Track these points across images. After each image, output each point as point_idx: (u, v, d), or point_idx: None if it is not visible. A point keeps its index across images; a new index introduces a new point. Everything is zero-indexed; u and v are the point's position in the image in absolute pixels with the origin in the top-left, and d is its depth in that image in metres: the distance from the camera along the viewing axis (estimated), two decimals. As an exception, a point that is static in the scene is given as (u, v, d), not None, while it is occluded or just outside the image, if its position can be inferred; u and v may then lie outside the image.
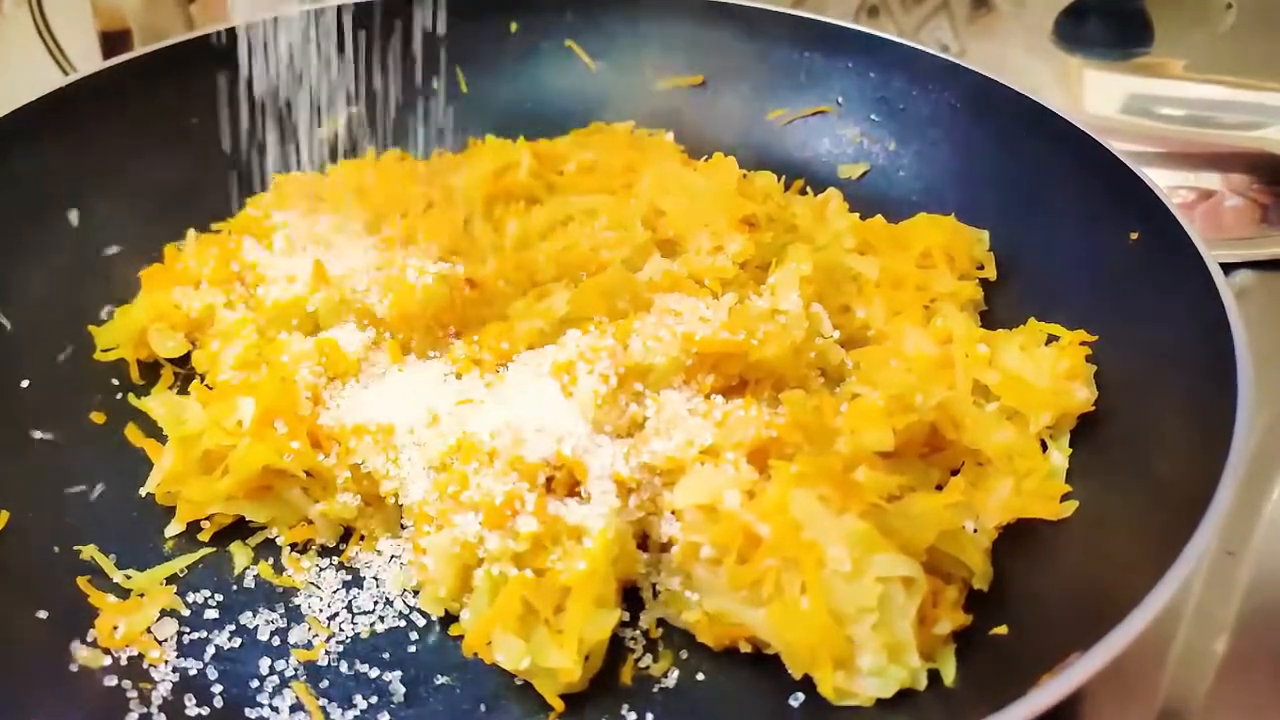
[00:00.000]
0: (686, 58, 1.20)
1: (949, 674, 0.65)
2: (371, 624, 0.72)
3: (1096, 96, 1.43)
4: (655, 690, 0.68)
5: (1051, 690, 0.53)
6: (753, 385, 0.79)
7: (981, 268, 0.96)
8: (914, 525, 0.67)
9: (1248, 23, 1.51)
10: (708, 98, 1.20)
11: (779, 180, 1.06)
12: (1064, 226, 0.94)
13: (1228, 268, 0.78)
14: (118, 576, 0.74)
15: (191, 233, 0.98)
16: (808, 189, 1.09)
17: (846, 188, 1.09)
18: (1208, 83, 1.41)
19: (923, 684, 0.64)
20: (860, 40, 1.14)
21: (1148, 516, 0.67)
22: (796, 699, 0.66)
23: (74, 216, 0.97)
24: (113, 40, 1.35)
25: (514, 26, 1.22)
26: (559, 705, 0.66)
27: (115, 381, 0.89)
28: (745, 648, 0.68)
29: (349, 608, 0.73)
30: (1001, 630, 0.67)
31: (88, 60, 1.31)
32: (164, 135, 1.05)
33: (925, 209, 1.02)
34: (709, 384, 0.78)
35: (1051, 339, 0.84)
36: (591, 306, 0.84)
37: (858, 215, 1.02)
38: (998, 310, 0.94)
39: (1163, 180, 0.88)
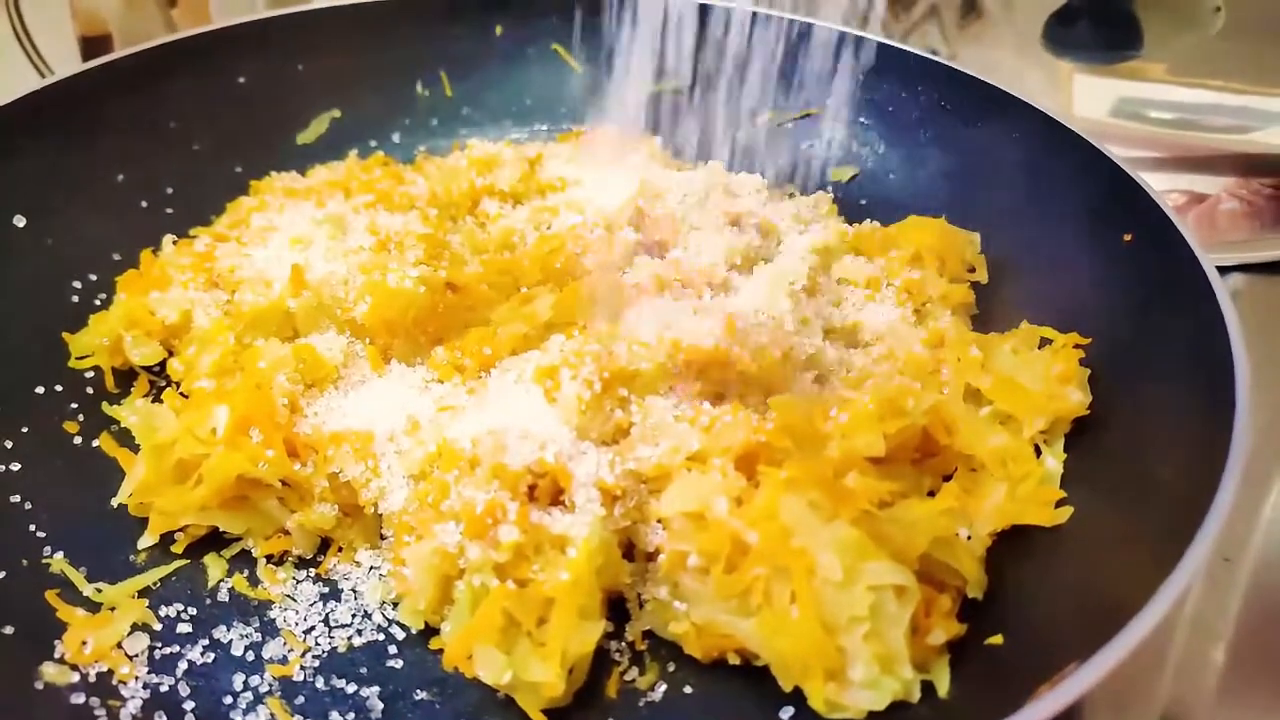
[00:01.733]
0: (673, 61, 1.18)
1: (943, 685, 0.63)
2: (349, 638, 0.70)
3: (1086, 100, 1.43)
4: (642, 704, 0.66)
5: (1050, 702, 0.51)
6: (740, 389, 0.78)
7: (973, 270, 0.95)
8: (906, 532, 0.65)
9: (1237, 26, 1.51)
10: (694, 101, 1.19)
11: (767, 184, 1.05)
12: (1056, 228, 0.93)
13: (1220, 271, 0.77)
14: (88, 590, 0.72)
15: (169, 238, 0.96)
16: (795, 193, 1.08)
17: (836, 191, 1.08)
18: (1198, 86, 1.40)
19: (916, 695, 0.62)
20: (849, 43, 1.13)
21: (1146, 523, 0.66)
22: (786, 712, 0.64)
23: (49, 221, 0.94)
24: (93, 45, 1.34)
25: (499, 29, 1.21)
26: (542, 720, 0.64)
27: (90, 390, 0.87)
28: (734, 659, 0.67)
29: (326, 621, 0.71)
30: (997, 640, 0.65)
31: (67, 66, 1.29)
32: (141, 139, 1.04)
33: (916, 212, 1.01)
34: (696, 389, 0.76)
35: (1045, 342, 0.83)
36: (576, 311, 0.82)
37: (845, 218, 1.01)
38: (989, 314, 0.93)
39: (1154, 184, 0.87)
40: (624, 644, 0.70)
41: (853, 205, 1.06)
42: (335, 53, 1.16)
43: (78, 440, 0.83)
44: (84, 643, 0.67)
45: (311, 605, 0.72)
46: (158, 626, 0.70)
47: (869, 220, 1.01)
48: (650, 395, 0.75)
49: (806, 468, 0.65)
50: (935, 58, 1.08)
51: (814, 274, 0.90)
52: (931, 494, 0.75)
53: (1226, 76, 1.40)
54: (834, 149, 1.12)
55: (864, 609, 0.61)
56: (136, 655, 0.68)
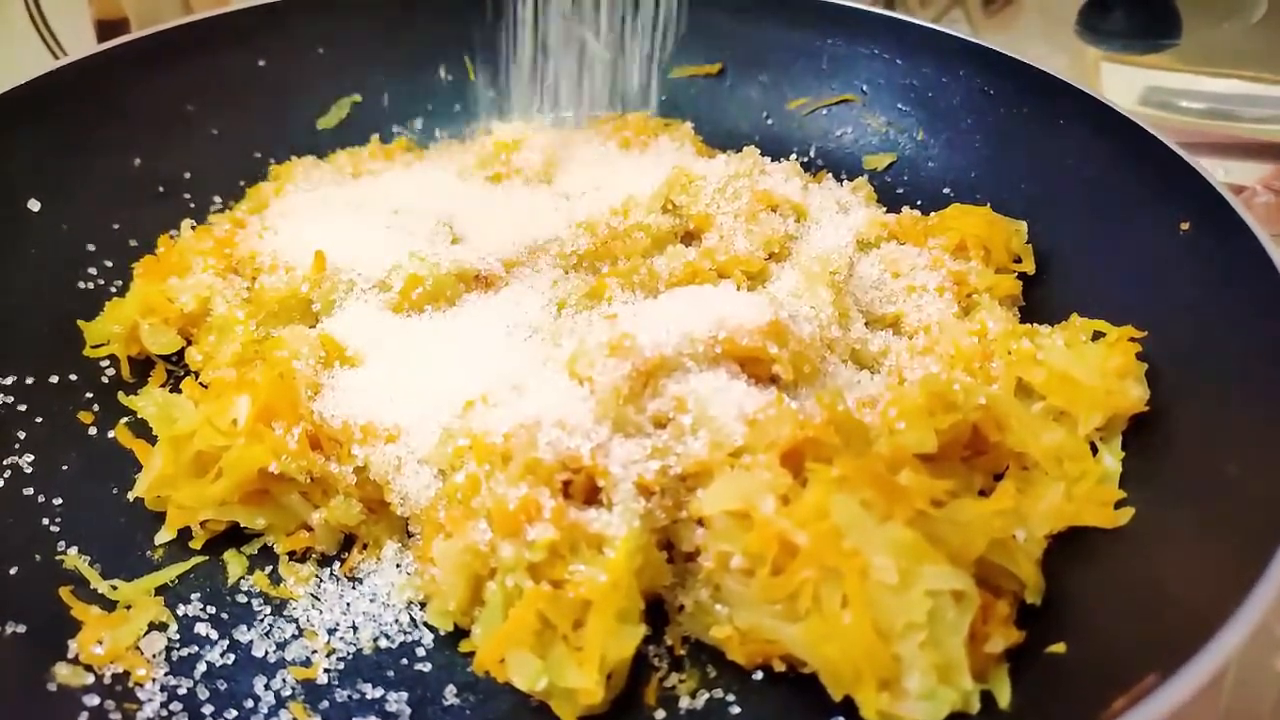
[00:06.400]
0: (703, 45, 1.15)
1: (1004, 696, 0.60)
2: (375, 639, 0.67)
3: (1114, 89, 1.39)
4: (681, 712, 0.63)
5: (1141, 716, 0.47)
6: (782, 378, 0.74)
7: (1019, 261, 0.91)
8: (963, 533, 0.62)
9: (1277, 14, 1.47)
10: (725, 86, 1.16)
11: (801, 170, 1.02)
12: (1107, 217, 0.89)
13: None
14: (103, 587, 0.69)
15: (187, 223, 0.93)
16: (830, 179, 1.04)
17: (872, 179, 1.05)
18: (1232, 76, 1.37)
19: (976, 706, 0.59)
20: (886, 25, 1.09)
21: (1217, 524, 0.62)
22: (836, 722, 0.61)
23: (64, 205, 0.92)
24: (109, 29, 1.31)
25: (524, 13, 1.17)
26: (578, 728, 0.61)
27: (105, 379, 0.84)
28: (779, 666, 0.63)
29: (351, 621, 0.68)
30: (1059, 648, 0.61)
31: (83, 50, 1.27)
32: (158, 123, 1.01)
33: (956, 200, 0.97)
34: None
35: (1098, 336, 0.79)
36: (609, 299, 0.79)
37: (884, 209, 0.98)
38: (1036, 306, 0.89)
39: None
40: (663, 649, 0.67)
41: (891, 194, 1.03)
42: (356, 36, 1.13)
43: (93, 431, 0.80)
44: (99, 642, 0.65)
45: (336, 604, 0.69)
46: (175, 626, 0.67)
47: (907, 208, 0.98)
48: (690, 386, 0.71)
49: (858, 465, 0.62)
50: (977, 40, 1.04)
51: (853, 263, 0.87)
52: (983, 493, 0.71)
53: (1263, 66, 1.37)
54: (870, 136, 1.09)
55: (921, 615, 0.58)
56: (154, 656, 0.65)
